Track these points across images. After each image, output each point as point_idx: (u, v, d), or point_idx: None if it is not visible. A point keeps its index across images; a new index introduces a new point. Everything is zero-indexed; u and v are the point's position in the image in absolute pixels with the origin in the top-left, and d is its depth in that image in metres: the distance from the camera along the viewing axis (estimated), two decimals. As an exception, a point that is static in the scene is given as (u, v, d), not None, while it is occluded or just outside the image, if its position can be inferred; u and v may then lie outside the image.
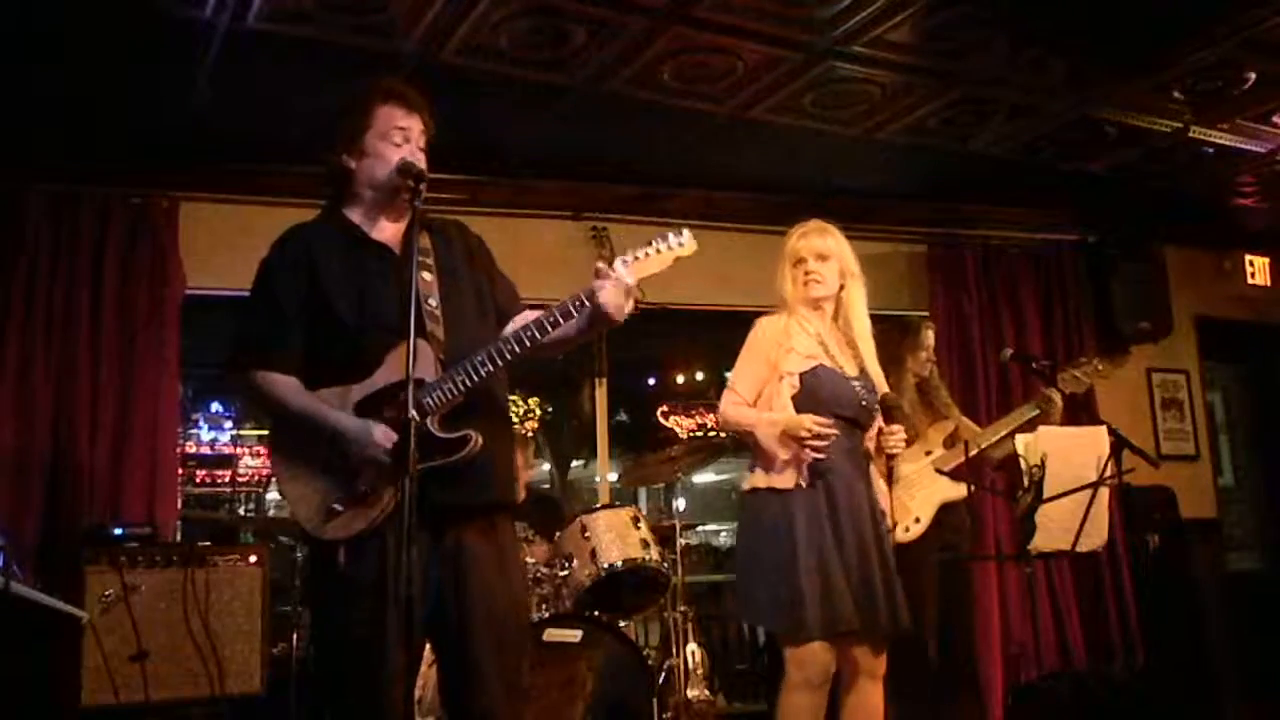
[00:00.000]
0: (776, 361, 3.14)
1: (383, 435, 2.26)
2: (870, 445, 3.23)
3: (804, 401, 3.10)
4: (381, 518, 2.27)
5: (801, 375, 3.11)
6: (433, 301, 2.39)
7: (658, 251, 2.36)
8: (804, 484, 3.04)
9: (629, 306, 2.32)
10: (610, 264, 2.31)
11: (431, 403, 2.28)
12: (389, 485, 2.26)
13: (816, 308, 3.25)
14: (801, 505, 3.05)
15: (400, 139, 2.42)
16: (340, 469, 2.31)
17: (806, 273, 3.21)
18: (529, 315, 2.47)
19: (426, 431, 2.25)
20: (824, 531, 3.02)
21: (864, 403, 3.16)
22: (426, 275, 2.40)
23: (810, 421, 2.98)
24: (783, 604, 2.99)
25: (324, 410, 2.32)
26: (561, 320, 2.31)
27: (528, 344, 2.30)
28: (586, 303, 2.29)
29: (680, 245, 2.38)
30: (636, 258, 2.33)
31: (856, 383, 3.17)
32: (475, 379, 2.30)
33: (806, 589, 2.95)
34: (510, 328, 2.48)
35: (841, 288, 3.25)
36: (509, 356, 2.31)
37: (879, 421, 3.23)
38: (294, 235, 2.49)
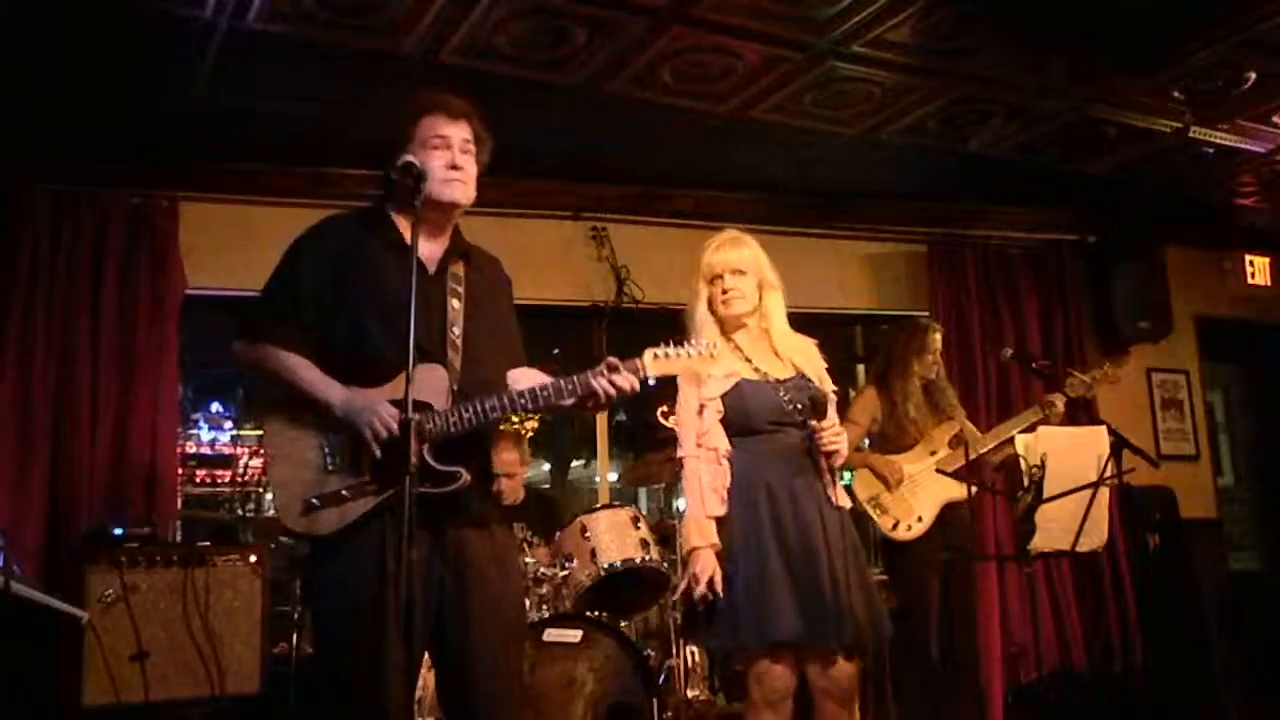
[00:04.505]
0: (701, 394, 3.04)
1: (387, 415, 2.26)
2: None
3: (731, 419, 2.98)
4: (351, 519, 2.28)
5: (723, 397, 3.00)
6: (456, 330, 2.42)
7: (688, 355, 2.49)
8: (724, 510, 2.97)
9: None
10: (624, 358, 2.42)
11: (433, 429, 2.29)
12: (370, 487, 2.28)
13: (740, 324, 3.11)
14: (740, 519, 2.94)
15: (441, 145, 2.43)
16: (326, 465, 2.32)
17: (725, 290, 3.07)
18: (532, 374, 2.53)
19: (420, 458, 2.25)
20: (764, 541, 2.90)
21: (789, 405, 2.99)
22: (455, 303, 2.44)
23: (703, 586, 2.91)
24: (720, 617, 2.89)
25: (330, 383, 2.33)
26: (581, 392, 2.38)
27: (541, 403, 2.37)
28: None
29: (711, 356, 2.55)
30: (667, 355, 2.46)
31: (783, 387, 3.02)
32: (481, 421, 2.34)
33: (742, 601, 2.86)
34: (516, 381, 2.51)
35: (760, 299, 3.12)
36: (518, 410, 2.37)
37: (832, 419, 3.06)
38: (334, 226, 2.49)
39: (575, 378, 2.39)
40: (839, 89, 4.42)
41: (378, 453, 2.26)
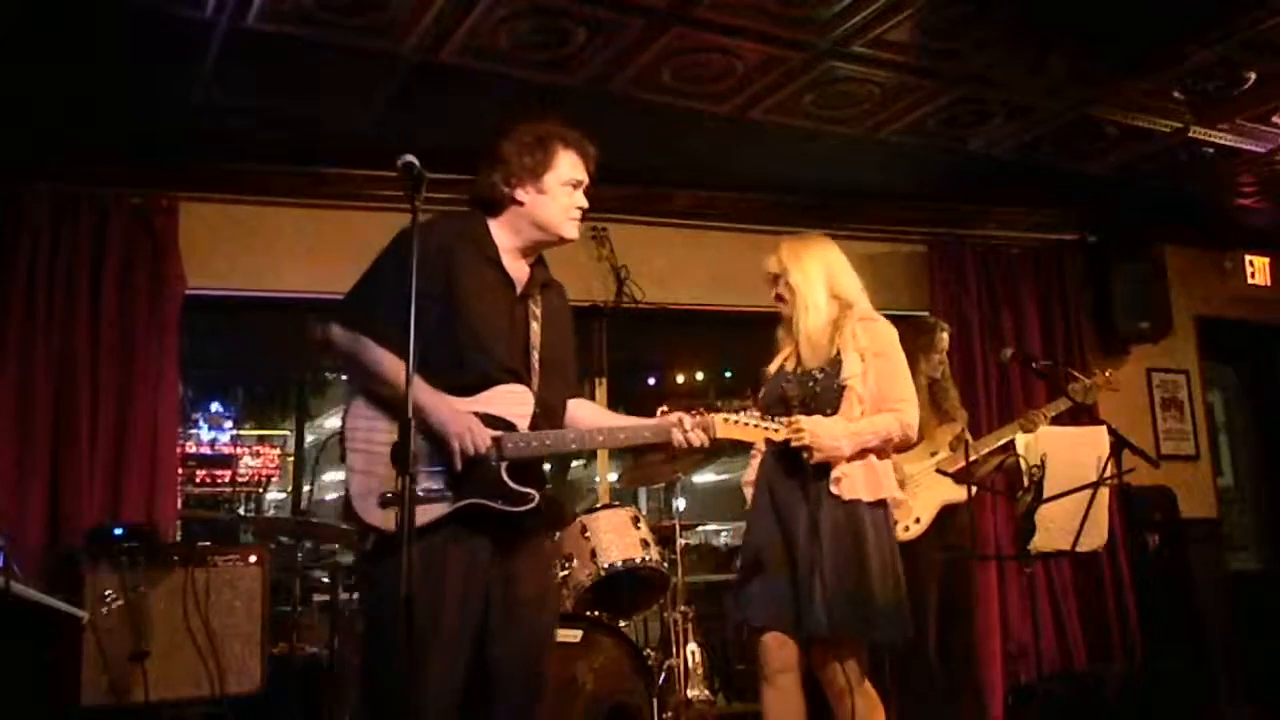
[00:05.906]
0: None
1: (480, 434, 2.34)
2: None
3: (767, 409, 3.05)
4: (421, 521, 2.28)
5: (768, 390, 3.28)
6: (535, 354, 2.50)
7: (755, 426, 2.67)
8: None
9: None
10: (695, 411, 2.59)
11: (511, 448, 2.39)
12: (447, 494, 2.35)
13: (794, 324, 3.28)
14: (753, 509, 3.27)
15: (577, 187, 2.59)
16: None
17: (775, 297, 3.32)
18: (590, 406, 2.74)
19: (498, 475, 2.38)
20: (757, 530, 3.19)
21: (784, 396, 3.11)
22: (535, 326, 2.53)
23: None
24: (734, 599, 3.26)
25: (424, 388, 2.33)
26: (657, 439, 2.56)
27: (615, 442, 2.60)
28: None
29: (775, 430, 2.75)
30: (737, 421, 2.64)
31: (794, 379, 3.17)
32: (558, 450, 2.52)
33: (743, 584, 3.18)
34: (577, 413, 2.65)
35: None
36: (595, 445, 2.56)
37: (848, 407, 3.10)
38: (439, 229, 2.48)
39: (653, 424, 2.57)
40: (839, 89, 4.42)
41: (459, 465, 2.33)
